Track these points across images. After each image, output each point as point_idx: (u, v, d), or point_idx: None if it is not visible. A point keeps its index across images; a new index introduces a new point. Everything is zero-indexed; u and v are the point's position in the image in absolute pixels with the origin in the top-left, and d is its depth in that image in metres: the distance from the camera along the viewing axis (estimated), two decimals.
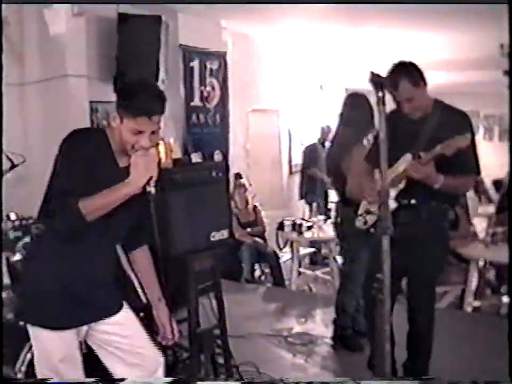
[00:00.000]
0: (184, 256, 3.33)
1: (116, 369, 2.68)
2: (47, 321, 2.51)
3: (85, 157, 2.38)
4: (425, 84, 3.48)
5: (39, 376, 2.61)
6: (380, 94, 2.25)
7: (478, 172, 3.55)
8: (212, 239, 3.38)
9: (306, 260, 8.48)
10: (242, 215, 7.48)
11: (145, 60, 5.49)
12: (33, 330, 2.56)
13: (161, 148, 4.44)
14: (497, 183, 10.10)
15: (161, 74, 5.58)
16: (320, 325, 5.30)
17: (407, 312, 3.77)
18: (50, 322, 2.51)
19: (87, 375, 2.67)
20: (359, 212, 3.93)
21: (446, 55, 9.47)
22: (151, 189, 2.39)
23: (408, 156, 3.49)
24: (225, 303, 3.60)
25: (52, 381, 2.53)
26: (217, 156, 6.97)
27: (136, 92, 2.42)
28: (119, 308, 2.69)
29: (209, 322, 3.67)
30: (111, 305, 2.68)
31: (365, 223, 3.85)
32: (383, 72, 2.26)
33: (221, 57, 7.24)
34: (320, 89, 10.78)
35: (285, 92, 9.28)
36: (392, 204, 3.53)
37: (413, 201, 3.58)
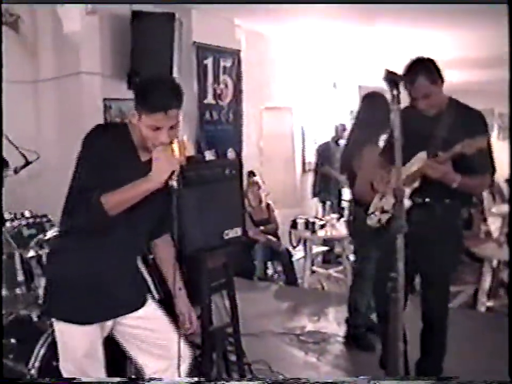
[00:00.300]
0: (197, 253, 3.33)
1: (141, 359, 2.71)
2: (73, 315, 2.53)
3: (107, 151, 2.40)
4: (442, 81, 3.47)
5: (63, 372, 2.64)
6: (395, 92, 2.25)
7: (494, 171, 3.53)
8: (225, 237, 3.37)
9: (319, 259, 8.47)
10: (255, 213, 7.49)
11: (159, 57, 5.51)
12: (58, 325, 2.59)
13: (175, 145, 4.46)
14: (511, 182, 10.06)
15: (175, 72, 5.60)
16: (333, 323, 5.30)
17: (421, 311, 3.76)
18: (75, 317, 2.53)
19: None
20: (370, 210, 3.92)
21: (457, 53, 9.43)
22: (173, 183, 2.42)
23: (423, 154, 3.47)
24: (238, 301, 3.59)
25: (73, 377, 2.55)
26: (231, 154, 7.00)
27: (152, 88, 2.43)
28: (144, 302, 2.71)
29: (222, 320, 3.68)
30: (136, 300, 2.70)
31: (379, 221, 3.84)
32: (398, 70, 2.25)
33: (235, 54, 7.25)
34: (333, 87, 10.77)
35: (298, 90, 9.27)
36: (407, 203, 3.52)
37: (427, 200, 3.57)
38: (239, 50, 7.30)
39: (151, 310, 2.74)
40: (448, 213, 3.56)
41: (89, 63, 5.30)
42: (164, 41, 5.56)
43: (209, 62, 6.82)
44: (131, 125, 2.51)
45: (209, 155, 6.48)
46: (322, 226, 7.12)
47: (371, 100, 4.58)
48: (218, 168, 3.48)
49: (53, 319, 2.62)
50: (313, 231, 7.05)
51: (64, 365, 2.63)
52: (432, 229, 3.55)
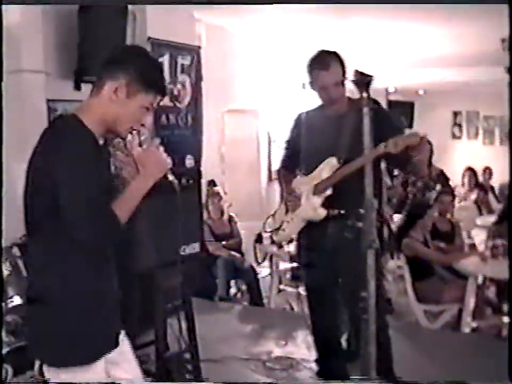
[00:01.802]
0: (150, 271, 3.34)
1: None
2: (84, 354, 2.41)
3: (89, 155, 2.30)
4: (345, 76, 3.70)
5: None
6: (365, 94, 2.29)
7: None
8: (182, 253, 3.39)
9: (288, 276, 8.49)
10: (216, 226, 7.50)
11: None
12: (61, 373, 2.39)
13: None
14: (499, 190, 10.25)
15: None
16: (302, 347, 5.32)
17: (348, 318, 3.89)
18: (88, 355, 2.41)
19: None
20: (276, 225, 4.11)
21: (439, 50, 9.60)
22: (172, 178, 2.54)
23: (332, 160, 3.70)
24: (197, 324, 3.61)
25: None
26: (189, 161, 6.99)
27: (158, 67, 2.58)
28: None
29: (179, 345, 3.68)
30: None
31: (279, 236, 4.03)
32: (368, 70, 2.29)
33: (194, 51, 7.25)
34: (302, 88, 10.84)
35: (264, 91, 9.31)
36: (322, 213, 3.72)
37: (342, 211, 3.73)
38: (198, 47, 7.31)
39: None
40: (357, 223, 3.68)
41: (31, 60, 5.26)
42: (115, 36, 5.55)
43: (165, 59, 6.82)
44: (84, 107, 2.41)
45: None
46: (290, 241, 7.13)
47: None
48: (173, 177, 3.50)
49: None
50: (280, 246, 7.06)
51: None
52: (349, 241, 3.66)
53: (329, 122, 3.78)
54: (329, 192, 3.77)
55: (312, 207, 3.86)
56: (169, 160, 2.49)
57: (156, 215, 3.29)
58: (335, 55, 3.74)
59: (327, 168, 3.75)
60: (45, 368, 2.42)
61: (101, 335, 2.43)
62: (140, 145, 2.49)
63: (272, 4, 6.01)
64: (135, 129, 2.47)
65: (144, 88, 2.40)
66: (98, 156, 2.36)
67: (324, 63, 3.69)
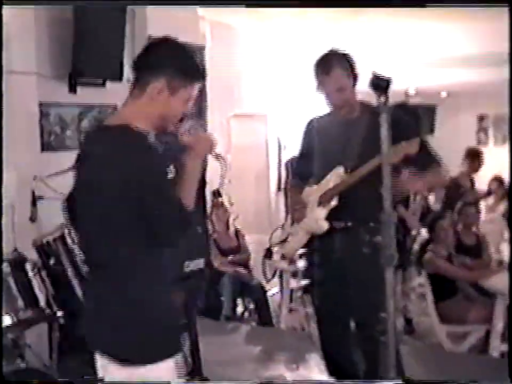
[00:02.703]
0: None
1: None
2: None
3: (156, 157, 2.59)
4: (355, 77, 3.71)
5: None
6: (383, 98, 2.30)
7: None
8: (186, 269, 3.40)
9: (299, 294, 8.48)
10: (222, 240, 7.50)
11: (107, 54, 5.53)
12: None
13: None
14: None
15: (126, 72, 5.62)
16: (315, 371, 5.31)
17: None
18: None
19: None
20: (282, 238, 4.15)
21: (447, 51, 9.61)
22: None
23: (339, 170, 3.73)
24: (201, 345, 3.61)
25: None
26: None
27: (194, 56, 2.72)
28: None
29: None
30: None
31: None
32: (386, 72, 2.30)
33: (197, 51, 7.27)
34: (316, 90, 10.86)
35: (274, 94, 9.32)
36: (324, 225, 3.73)
37: (349, 224, 3.74)
38: (202, 46, 7.33)
39: None
40: (374, 238, 3.67)
41: (22, 61, 5.29)
42: (113, 35, 5.59)
43: None
44: (135, 109, 2.58)
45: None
46: (301, 256, 7.13)
47: None
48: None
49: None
50: (291, 261, 7.06)
51: None
52: (357, 257, 3.67)
53: (338, 129, 3.81)
54: (334, 203, 3.78)
55: (315, 218, 3.87)
56: (214, 138, 2.78)
57: None
58: (340, 57, 3.74)
59: (334, 177, 3.76)
60: (111, 366, 2.54)
61: (176, 332, 2.66)
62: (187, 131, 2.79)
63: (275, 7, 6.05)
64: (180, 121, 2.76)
65: (186, 83, 2.59)
66: (158, 155, 2.62)
67: (326, 66, 3.72)
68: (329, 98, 3.74)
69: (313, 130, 4.05)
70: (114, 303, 2.52)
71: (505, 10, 4.92)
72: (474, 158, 8.71)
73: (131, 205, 2.43)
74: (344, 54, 3.77)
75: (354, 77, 3.74)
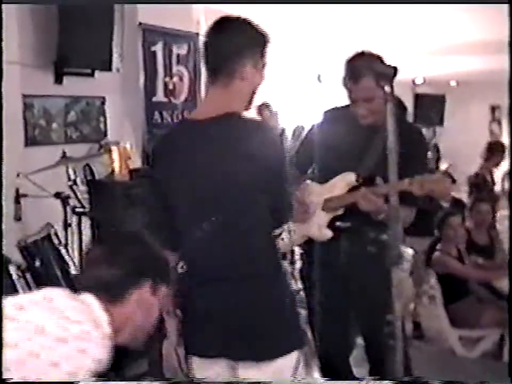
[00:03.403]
0: None
1: None
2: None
3: None
4: (388, 84, 3.59)
5: None
6: (387, 88, 2.29)
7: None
8: (179, 270, 3.39)
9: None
10: None
11: (95, 43, 5.52)
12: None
13: (115, 154, 4.49)
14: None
15: (115, 62, 5.63)
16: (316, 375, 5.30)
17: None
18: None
19: None
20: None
21: (478, 35, 9.61)
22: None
23: (350, 176, 3.63)
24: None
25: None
26: None
27: (254, 23, 2.85)
28: None
29: (179, 376, 3.68)
30: None
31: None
32: (392, 60, 2.30)
33: (191, 39, 7.26)
34: (318, 80, 10.87)
35: (275, 84, 9.31)
36: (327, 234, 3.70)
37: (354, 223, 3.71)
38: (197, 34, 7.32)
39: None
40: (380, 236, 3.64)
41: (4, 50, 5.26)
42: (100, 22, 5.58)
43: (158, 48, 6.83)
44: (235, 97, 2.75)
45: None
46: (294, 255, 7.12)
47: None
48: None
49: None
50: (292, 263, 7.06)
51: None
52: (362, 256, 3.66)
53: (358, 131, 3.68)
54: (340, 212, 3.73)
55: (318, 224, 3.81)
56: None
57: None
58: (370, 62, 3.56)
59: (343, 184, 3.67)
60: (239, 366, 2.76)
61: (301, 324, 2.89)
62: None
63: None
64: None
65: (263, 52, 2.85)
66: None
67: (354, 73, 3.53)
68: (354, 106, 3.63)
69: (327, 123, 3.99)
70: (246, 304, 2.69)
71: None
72: (495, 151, 8.71)
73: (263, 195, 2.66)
74: (379, 58, 3.56)
75: (387, 84, 3.60)
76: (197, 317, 2.77)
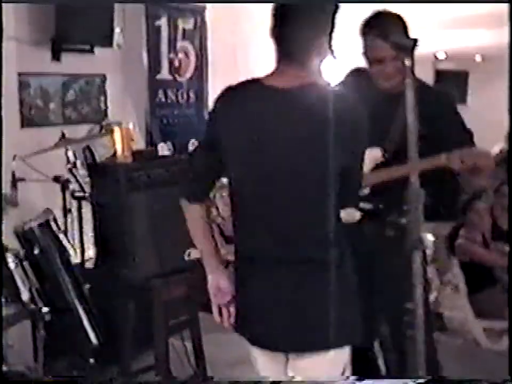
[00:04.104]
0: (148, 281, 3.37)
1: None
2: None
3: None
4: (410, 46, 3.57)
5: None
6: (407, 62, 2.29)
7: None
8: (187, 257, 3.41)
9: None
10: (227, 226, 7.51)
11: (95, 17, 5.53)
12: None
13: (117, 135, 4.49)
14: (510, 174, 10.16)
15: (116, 37, 5.64)
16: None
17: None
18: None
19: None
20: None
21: (504, 6, 9.54)
22: None
23: (375, 151, 3.57)
24: (205, 344, 3.63)
25: None
26: (193, 147, 7.01)
27: None
28: None
29: (184, 370, 3.71)
30: None
31: None
32: (412, 32, 2.30)
33: (198, 13, 7.27)
34: (331, 56, 10.83)
35: None
36: (356, 215, 3.68)
37: (381, 206, 3.67)
38: (203, 8, 7.32)
39: None
40: (399, 220, 3.62)
41: None
42: None
43: (163, 23, 6.84)
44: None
45: (163, 149, 6.51)
46: None
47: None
48: (176, 166, 3.52)
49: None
50: None
51: None
52: (389, 241, 3.65)
53: (379, 102, 3.62)
54: (366, 191, 3.70)
55: None
56: None
57: (155, 213, 3.32)
58: (397, 20, 3.53)
59: (368, 160, 3.64)
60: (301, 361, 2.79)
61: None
62: None
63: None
64: None
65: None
66: None
67: (383, 30, 3.53)
68: (382, 65, 3.59)
69: (346, 88, 3.96)
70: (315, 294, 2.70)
71: None
72: None
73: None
74: (399, 16, 3.57)
75: (407, 46, 3.56)
76: (252, 302, 2.82)
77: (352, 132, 2.62)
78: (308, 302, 2.68)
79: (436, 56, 12.73)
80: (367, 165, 3.61)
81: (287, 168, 2.61)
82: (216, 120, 2.79)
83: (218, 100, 2.83)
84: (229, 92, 2.84)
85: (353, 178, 2.74)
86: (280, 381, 2.86)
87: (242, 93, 2.83)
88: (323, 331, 2.68)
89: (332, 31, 2.75)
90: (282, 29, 2.70)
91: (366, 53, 3.59)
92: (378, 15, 3.57)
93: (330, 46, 2.78)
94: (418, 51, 2.42)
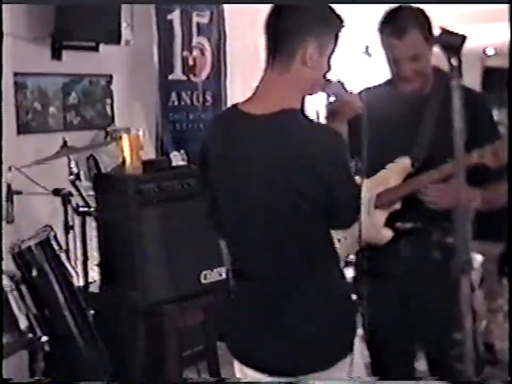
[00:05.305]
0: (159, 307, 3.37)
1: None
2: None
3: None
4: (433, 42, 3.57)
5: None
6: (454, 61, 2.28)
7: None
8: (203, 281, 3.42)
9: None
10: None
11: (100, 11, 5.55)
12: None
13: (125, 143, 4.51)
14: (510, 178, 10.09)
15: (125, 33, 5.66)
16: None
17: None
18: None
19: None
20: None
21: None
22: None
23: (405, 161, 3.55)
24: (224, 377, 3.63)
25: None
26: None
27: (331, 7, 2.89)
28: None
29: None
30: None
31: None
32: (458, 28, 2.29)
33: (214, 6, 7.28)
34: (365, 52, 10.85)
35: None
36: (387, 234, 3.67)
37: (419, 224, 3.65)
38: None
39: None
40: (445, 239, 3.60)
41: None
42: None
43: (175, 17, 6.85)
44: (289, 86, 2.80)
45: (177, 158, 6.52)
46: (349, 264, 7.14)
47: None
48: (191, 178, 3.53)
49: None
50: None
51: None
52: (426, 266, 3.63)
53: (403, 106, 3.62)
54: (397, 206, 3.68)
55: (374, 225, 3.75)
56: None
57: (168, 231, 3.33)
58: (415, 15, 3.57)
59: (397, 172, 3.60)
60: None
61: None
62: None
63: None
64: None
65: (333, 37, 2.85)
66: None
67: (397, 28, 3.52)
68: (397, 67, 3.60)
69: (365, 106, 3.96)
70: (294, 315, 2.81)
71: None
72: None
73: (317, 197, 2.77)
74: (421, 11, 3.53)
75: (431, 41, 3.59)
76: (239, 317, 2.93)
77: (320, 164, 2.72)
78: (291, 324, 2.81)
79: (484, 52, 12.71)
80: (396, 178, 3.61)
81: (261, 195, 2.76)
82: (204, 149, 2.96)
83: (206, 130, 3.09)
84: (213, 121, 3.17)
85: (339, 199, 2.84)
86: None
87: (222, 121, 3.05)
88: (313, 354, 2.80)
89: (326, 45, 2.82)
90: (268, 32, 2.83)
91: (392, 50, 3.59)
92: (395, 11, 3.57)
93: (322, 62, 2.84)
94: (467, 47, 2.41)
